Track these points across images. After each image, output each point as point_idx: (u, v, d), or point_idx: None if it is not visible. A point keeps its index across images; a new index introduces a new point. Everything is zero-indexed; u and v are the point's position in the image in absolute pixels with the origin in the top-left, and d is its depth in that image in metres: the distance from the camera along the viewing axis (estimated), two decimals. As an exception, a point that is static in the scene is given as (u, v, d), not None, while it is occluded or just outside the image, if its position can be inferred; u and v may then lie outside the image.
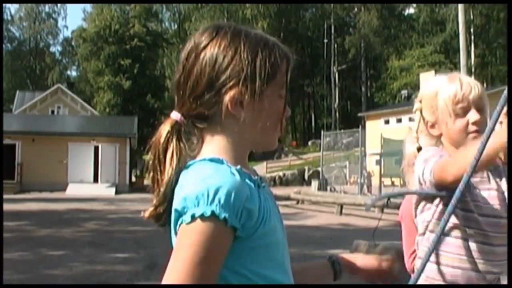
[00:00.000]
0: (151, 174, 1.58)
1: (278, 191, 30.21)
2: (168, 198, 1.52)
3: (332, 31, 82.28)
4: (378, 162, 31.57)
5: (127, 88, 68.17)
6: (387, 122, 52.96)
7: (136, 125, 44.78)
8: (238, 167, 1.51)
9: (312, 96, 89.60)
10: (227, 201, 1.41)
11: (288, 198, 26.72)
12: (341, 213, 21.53)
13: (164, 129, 1.59)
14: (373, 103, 78.73)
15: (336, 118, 79.72)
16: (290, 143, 73.15)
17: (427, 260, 2.15)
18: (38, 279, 9.72)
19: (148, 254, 12.02)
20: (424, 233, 2.47)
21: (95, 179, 41.01)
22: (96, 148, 41.48)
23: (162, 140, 1.58)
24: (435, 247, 2.32)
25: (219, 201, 1.41)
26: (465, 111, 2.44)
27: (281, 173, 48.64)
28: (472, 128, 2.45)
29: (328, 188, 32.61)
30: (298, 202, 26.41)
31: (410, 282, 2.02)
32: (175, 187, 1.52)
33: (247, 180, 1.50)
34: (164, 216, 1.54)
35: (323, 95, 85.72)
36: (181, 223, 1.43)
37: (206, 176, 1.45)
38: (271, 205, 1.57)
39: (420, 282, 2.37)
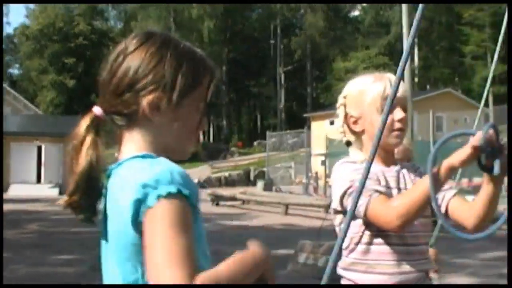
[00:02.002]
0: (69, 163, 1.60)
1: (223, 191, 30.21)
2: (80, 188, 1.55)
3: (279, 32, 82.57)
4: (323, 163, 31.84)
5: (71, 87, 67.43)
6: (332, 123, 53.08)
7: (81, 124, 44.04)
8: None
9: (258, 96, 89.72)
10: (185, 180, 1.47)
11: (233, 199, 26.70)
12: (286, 213, 21.59)
13: (85, 121, 1.62)
14: (318, 104, 79.16)
15: (282, 118, 79.99)
16: (236, 144, 73.18)
17: (332, 267, 2.18)
18: (-21, 281, 9.54)
19: (92, 256, 11.86)
20: (348, 246, 2.49)
21: (38, 180, 40.34)
22: (39, 148, 40.78)
23: (80, 131, 1.61)
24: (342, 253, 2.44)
25: (178, 180, 1.45)
26: (392, 108, 2.42)
27: (226, 174, 48.56)
28: (397, 125, 2.49)
29: (274, 188, 32.69)
30: (243, 203, 26.39)
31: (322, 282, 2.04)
32: (91, 181, 1.55)
33: None
34: (80, 206, 1.56)
35: (269, 95, 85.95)
36: (146, 208, 1.43)
37: (152, 164, 1.50)
38: None
39: None
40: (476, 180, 25.65)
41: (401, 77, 1.93)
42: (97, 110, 1.64)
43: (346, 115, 2.61)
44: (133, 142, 1.62)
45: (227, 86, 77.87)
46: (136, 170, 1.50)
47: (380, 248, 2.41)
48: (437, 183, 2.16)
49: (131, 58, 1.63)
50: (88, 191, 1.56)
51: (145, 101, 1.58)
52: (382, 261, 2.41)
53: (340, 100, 2.65)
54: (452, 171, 2.17)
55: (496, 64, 4.99)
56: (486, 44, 74.44)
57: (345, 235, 1.89)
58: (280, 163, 39.81)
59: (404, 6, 25.05)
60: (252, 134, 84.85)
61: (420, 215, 2.31)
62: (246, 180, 47.06)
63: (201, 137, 62.62)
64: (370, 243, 2.42)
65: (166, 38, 1.68)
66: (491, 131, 2.03)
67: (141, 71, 1.61)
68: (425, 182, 2.20)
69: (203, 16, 73.48)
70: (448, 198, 2.46)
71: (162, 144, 1.63)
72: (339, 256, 2.46)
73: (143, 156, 1.56)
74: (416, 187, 2.28)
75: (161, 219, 1.42)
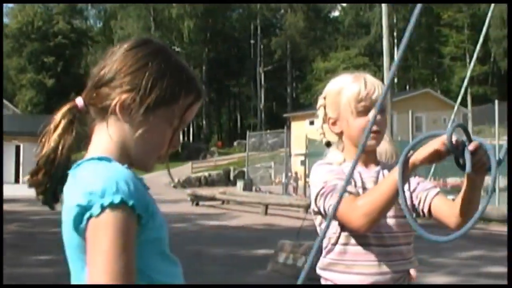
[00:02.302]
0: (41, 144, 1.65)
1: (203, 191, 30.16)
2: (43, 169, 1.60)
3: (259, 32, 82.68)
4: (303, 163, 31.88)
5: (50, 86, 67.05)
6: (312, 123, 53.26)
7: (60, 124, 43.85)
8: (125, 165, 1.55)
9: (238, 96, 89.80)
10: (131, 190, 1.46)
11: (213, 199, 26.67)
12: (266, 213, 21.59)
13: (63, 109, 1.66)
14: (298, 104, 79.34)
15: (262, 118, 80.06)
16: (216, 144, 73.16)
17: (312, 264, 2.18)
18: (-44, 282, 9.46)
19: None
20: (326, 246, 2.49)
21: (17, 180, 40.12)
22: (18, 148, 40.58)
23: (57, 116, 1.65)
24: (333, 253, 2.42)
25: (124, 190, 1.45)
26: (366, 110, 2.44)
27: (206, 174, 48.51)
28: (372, 127, 2.40)
29: (254, 188, 32.71)
30: (223, 203, 26.37)
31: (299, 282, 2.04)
32: (54, 164, 1.60)
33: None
34: (41, 187, 1.61)
35: (249, 95, 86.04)
36: (89, 217, 1.44)
37: (103, 170, 1.50)
38: (156, 205, 1.63)
39: None
40: (450, 180, 25.85)
41: (392, 83, 1.92)
42: (78, 100, 1.67)
43: (325, 116, 2.60)
44: (100, 140, 1.63)
45: (207, 86, 77.76)
46: (87, 174, 1.51)
47: (357, 249, 2.41)
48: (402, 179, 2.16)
49: (119, 57, 1.64)
50: (51, 174, 1.60)
51: (118, 98, 1.59)
52: (359, 261, 2.41)
53: (320, 101, 2.63)
54: (414, 168, 2.17)
55: (474, 65, 5.04)
56: (465, 45, 75.06)
57: (323, 236, 1.88)
58: (260, 163, 39.84)
59: (384, 7, 25.17)
60: (232, 134, 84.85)
61: (386, 213, 2.32)
62: (226, 180, 47.04)
63: (181, 137, 62.58)
64: (347, 244, 2.42)
65: (159, 48, 1.69)
66: (452, 138, 2.03)
67: (123, 70, 1.62)
68: (389, 180, 2.21)
69: (183, 16, 73.38)
70: (430, 197, 2.46)
71: (125, 149, 1.63)
72: (318, 256, 2.46)
73: (99, 159, 1.56)
74: (380, 185, 2.28)
75: (102, 231, 1.43)
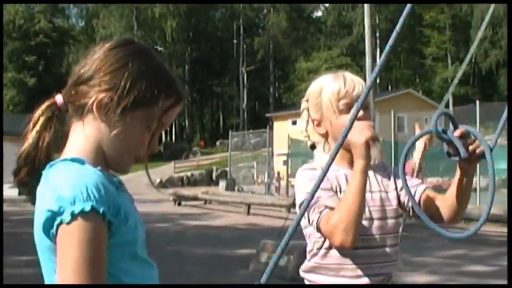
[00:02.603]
0: (24, 139, 1.65)
1: (185, 191, 30.14)
2: (25, 167, 1.60)
3: (242, 31, 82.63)
4: (286, 163, 31.93)
5: (31, 85, 66.62)
6: (294, 123, 53.41)
7: (41, 123, 43.60)
8: (99, 168, 1.55)
9: (220, 96, 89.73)
10: (101, 196, 1.46)
11: (195, 198, 26.63)
12: (248, 213, 21.59)
13: (42, 106, 1.66)
14: (281, 104, 79.42)
15: (244, 118, 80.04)
16: (198, 143, 73.06)
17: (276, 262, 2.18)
18: None
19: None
20: (312, 250, 2.49)
21: (-2, 179, 39.90)
22: (-1, 147, 40.36)
23: (37, 113, 1.65)
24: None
25: (95, 196, 1.45)
26: (348, 108, 2.41)
27: (189, 173, 48.47)
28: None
29: (236, 188, 32.70)
30: (205, 202, 26.33)
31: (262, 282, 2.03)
32: (34, 161, 1.60)
33: (108, 180, 1.55)
34: (26, 186, 1.62)
35: (231, 95, 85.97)
36: (60, 223, 1.44)
37: (74, 175, 1.49)
38: (131, 206, 1.63)
39: None
40: (431, 180, 26.01)
41: (374, 81, 1.91)
42: (58, 97, 1.66)
43: (309, 118, 2.57)
44: (75, 139, 1.63)
45: (189, 86, 77.62)
46: (59, 177, 1.50)
47: (341, 253, 2.39)
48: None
49: (99, 56, 1.63)
50: (31, 172, 1.59)
51: (96, 97, 1.58)
52: (344, 265, 2.39)
53: (303, 104, 2.61)
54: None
55: (455, 66, 5.06)
56: (446, 46, 75.51)
57: (288, 241, 1.88)
58: (242, 163, 39.82)
59: (366, 7, 25.23)
60: (215, 133, 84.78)
61: (361, 218, 2.30)
62: (208, 179, 47.03)
63: (163, 137, 62.31)
64: (330, 248, 2.40)
65: (141, 49, 1.68)
66: (437, 125, 2.05)
67: (102, 69, 1.61)
68: (351, 187, 2.24)
69: (166, 15, 73.17)
70: (419, 193, 2.45)
71: (101, 149, 1.62)
72: (301, 259, 2.46)
73: (72, 160, 1.55)
74: (345, 197, 2.27)
75: (72, 238, 1.43)
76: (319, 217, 2.30)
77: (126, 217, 1.53)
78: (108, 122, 1.60)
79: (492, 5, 4.44)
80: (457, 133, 2.05)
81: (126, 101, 1.59)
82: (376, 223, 2.43)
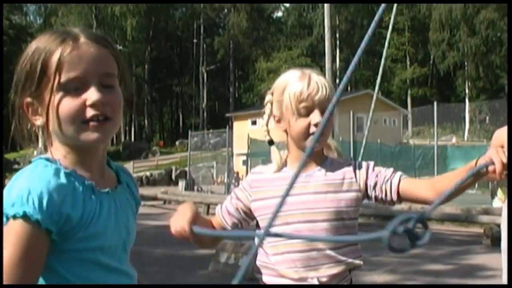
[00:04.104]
0: None
1: (145, 191, 29.93)
2: None
3: (202, 31, 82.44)
4: (245, 162, 31.93)
5: (-12, 83, 65.61)
6: (254, 123, 53.52)
7: (-3, 122, 43.09)
8: (70, 170, 1.54)
9: (180, 96, 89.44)
10: (41, 204, 1.45)
11: (155, 198, 26.49)
12: (208, 213, 21.54)
13: (16, 105, 1.65)
14: (240, 104, 79.51)
15: (204, 118, 79.90)
16: (157, 143, 72.70)
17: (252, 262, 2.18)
18: None
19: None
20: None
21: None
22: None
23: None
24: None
25: (33, 203, 1.45)
26: (308, 111, 2.36)
27: (148, 173, 48.20)
28: (313, 129, 2.37)
29: (195, 188, 32.63)
30: (165, 202, 26.21)
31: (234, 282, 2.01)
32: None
33: (76, 184, 1.53)
34: None
35: (191, 95, 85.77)
36: (2, 223, 1.47)
37: (26, 177, 1.50)
38: (112, 209, 1.61)
39: None
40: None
41: (346, 85, 1.89)
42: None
43: (271, 113, 2.51)
44: (45, 137, 1.63)
45: (149, 85, 77.25)
46: (18, 176, 1.52)
47: (284, 256, 2.40)
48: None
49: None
50: None
51: (20, 103, 1.61)
52: (285, 263, 2.40)
53: (268, 96, 2.54)
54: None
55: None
56: (405, 47, 76.28)
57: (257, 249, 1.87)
58: (202, 163, 39.69)
59: (326, 8, 25.36)
60: (174, 133, 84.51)
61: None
62: (167, 179, 46.81)
63: (122, 137, 61.97)
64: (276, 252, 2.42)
65: (45, 37, 1.62)
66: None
67: (17, 71, 1.63)
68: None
69: (125, 14, 72.61)
70: (396, 184, 2.39)
71: (66, 142, 1.60)
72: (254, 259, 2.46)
73: (46, 159, 1.56)
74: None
75: (5, 239, 1.46)
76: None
77: (86, 222, 1.53)
78: (43, 118, 1.59)
79: (395, 5, 4.41)
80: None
81: (28, 92, 1.58)
82: (330, 223, 2.41)
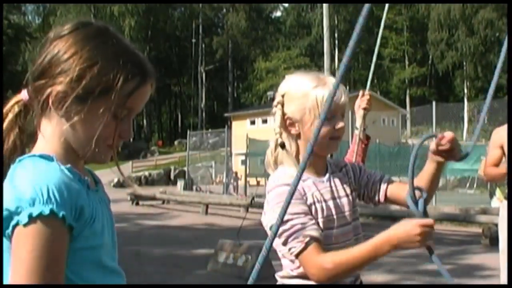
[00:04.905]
0: None
1: (143, 190, 29.91)
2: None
3: (200, 31, 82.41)
4: (244, 162, 31.91)
5: (-14, 83, 65.50)
6: (253, 122, 53.60)
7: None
8: (68, 166, 1.50)
9: (179, 95, 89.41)
10: (63, 198, 1.40)
11: (153, 198, 26.46)
12: (206, 213, 21.54)
13: (10, 103, 1.61)
14: (239, 103, 79.53)
15: (203, 118, 79.87)
16: (156, 143, 72.68)
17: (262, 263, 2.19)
18: None
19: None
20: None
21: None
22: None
23: (4, 111, 1.60)
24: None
25: (56, 199, 1.39)
26: (332, 116, 2.39)
27: (146, 173, 48.10)
28: (335, 134, 2.41)
29: (194, 187, 32.59)
30: (163, 202, 26.19)
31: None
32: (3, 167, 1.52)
33: (77, 180, 1.50)
34: None
35: (190, 94, 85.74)
36: (16, 224, 1.38)
37: (37, 174, 1.43)
38: (101, 208, 1.58)
39: None
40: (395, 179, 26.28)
41: (338, 83, 1.89)
42: (23, 93, 1.61)
43: (283, 115, 2.47)
44: (43, 135, 1.57)
45: (147, 85, 77.08)
46: (22, 175, 1.44)
47: None
48: None
49: (54, 44, 1.56)
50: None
51: (50, 91, 1.52)
52: None
53: (278, 98, 2.49)
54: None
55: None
56: (404, 47, 76.32)
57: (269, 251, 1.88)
58: (201, 163, 39.63)
59: (325, 8, 25.38)
60: (173, 133, 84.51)
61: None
62: (166, 179, 46.74)
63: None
64: None
65: (97, 31, 1.58)
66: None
67: (55, 59, 1.53)
68: (371, 252, 2.22)
69: (124, 13, 72.58)
70: (384, 186, 2.53)
71: (67, 144, 1.56)
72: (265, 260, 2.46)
73: (40, 156, 1.50)
74: (358, 253, 2.24)
75: (28, 242, 1.37)
76: (304, 248, 2.27)
77: (92, 219, 1.48)
78: (67, 115, 1.52)
79: (387, 5, 4.39)
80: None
81: (80, 91, 1.50)
82: (353, 224, 2.49)
